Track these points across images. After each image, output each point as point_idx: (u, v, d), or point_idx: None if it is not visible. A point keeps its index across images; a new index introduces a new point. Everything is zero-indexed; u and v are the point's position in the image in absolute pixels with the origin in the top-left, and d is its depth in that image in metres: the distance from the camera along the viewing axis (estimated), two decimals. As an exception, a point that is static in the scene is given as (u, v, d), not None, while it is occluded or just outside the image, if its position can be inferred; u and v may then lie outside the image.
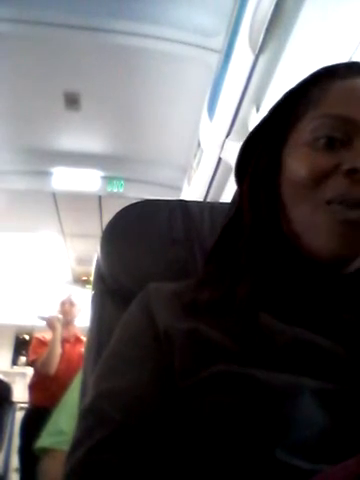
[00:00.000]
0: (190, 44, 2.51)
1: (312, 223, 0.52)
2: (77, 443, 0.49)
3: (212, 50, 2.45)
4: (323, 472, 0.36)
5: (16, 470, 3.47)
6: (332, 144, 0.52)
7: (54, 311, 3.38)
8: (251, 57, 1.84)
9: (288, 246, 0.55)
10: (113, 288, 0.74)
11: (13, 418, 3.78)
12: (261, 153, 0.59)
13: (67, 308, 3.37)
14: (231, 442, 0.43)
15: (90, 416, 0.51)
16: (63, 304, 3.40)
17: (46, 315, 3.31)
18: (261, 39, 1.74)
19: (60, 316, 3.30)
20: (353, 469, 0.32)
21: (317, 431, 0.42)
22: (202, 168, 2.88)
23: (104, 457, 0.47)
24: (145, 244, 0.73)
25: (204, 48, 2.50)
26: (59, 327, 3.18)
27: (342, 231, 0.50)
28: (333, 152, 0.52)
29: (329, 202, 0.51)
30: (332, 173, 0.51)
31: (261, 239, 0.56)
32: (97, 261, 0.78)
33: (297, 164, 0.54)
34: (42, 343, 3.21)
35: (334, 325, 0.50)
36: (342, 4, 1.45)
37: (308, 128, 0.55)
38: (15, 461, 3.46)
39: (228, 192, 2.76)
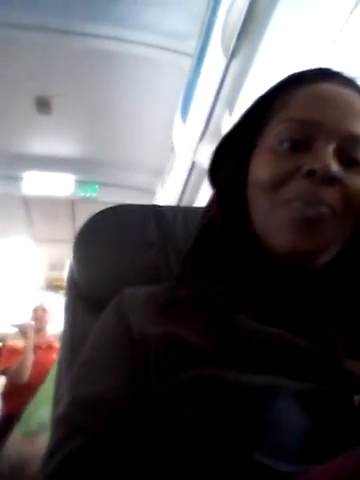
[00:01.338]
0: (163, 48, 2.52)
1: (271, 222, 0.53)
2: (52, 452, 0.48)
3: (185, 54, 2.47)
4: (308, 473, 0.36)
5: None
6: (295, 147, 0.53)
7: (26, 318, 3.34)
8: (224, 61, 1.85)
9: (256, 247, 0.55)
10: (86, 293, 0.73)
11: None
12: (232, 157, 0.60)
13: (40, 314, 3.35)
14: (208, 445, 0.43)
15: (64, 424, 0.50)
16: (35, 310, 3.38)
17: (19, 322, 3.27)
18: (233, 43, 1.75)
19: (32, 323, 3.27)
20: (340, 467, 0.32)
21: (296, 432, 0.42)
22: (176, 172, 2.89)
23: (79, 466, 0.46)
24: (119, 249, 0.73)
25: (177, 52, 2.51)
26: (32, 334, 3.15)
27: (300, 227, 0.51)
28: (295, 155, 0.53)
29: (287, 202, 0.52)
30: (293, 176, 0.52)
31: (231, 241, 0.57)
32: (70, 266, 0.77)
33: (260, 167, 0.55)
34: (14, 351, 3.16)
35: (307, 323, 0.50)
36: (313, 8, 1.47)
37: (273, 132, 0.56)
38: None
39: (202, 196, 2.77)
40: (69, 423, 0.50)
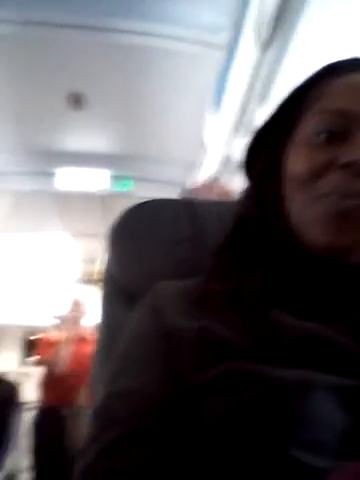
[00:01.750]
0: (194, 41, 2.51)
1: (306, 216, 0.53)
2: (88, 444, 0.49)
3: (217, 46, 2.45)
4: (338, 468, 0.36)
5: (24, 470, 3.50)
6: (331, 139, 0.52)
7: (64, 311, 3.41)
8: (257, 52, 1.83)
9: (292, 241, 0.55)
10: (121, 287, 0.74)
11: (21, 418, 3.80)
12: (267, 150, 0.60)
13: (76, 307, 3.40)
14: (244, 440, 0.43)
15: (101, 417, 0.51)
16: (72, 304, 3.43)
17: (60, 314, 3.34)
18: (266, 34, 1.73)
19: (72, 315, 3.32)
20: None
21: (332, 427, 0.41)
22: (208, 165, 2.88)
23: (115, 459, 0.46)
24: (152, 243, 0.73)
25: (209, 45, 2.50)
26: (70, 327, 3.21)
27: (335, 222, 0.50)
28: (332, 147, 0.52)
29: (323, 195, 0.51)
30: (329, 168, 0.51)
31: (267, 235, 0.56)
32: (105, 260, 0.78)
33: (296, 160, 0.55)
34: (50, 343, 3.25)
35: (343, 318, 0.49)
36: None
37: (310, 123, 0.55)
38: (23, 461, 3.48)
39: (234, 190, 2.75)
40: (105, 416, 0.50)
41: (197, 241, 0.73)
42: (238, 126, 2.27)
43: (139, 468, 0.46)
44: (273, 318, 0.49)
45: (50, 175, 3.89)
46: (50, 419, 3.07)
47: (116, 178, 3.93)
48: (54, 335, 3.29)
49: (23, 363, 6.73)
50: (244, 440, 0.43)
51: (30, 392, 4.03)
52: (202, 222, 0.75)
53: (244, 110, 2.16)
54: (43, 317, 3.56)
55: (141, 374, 0.52)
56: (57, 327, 3.29)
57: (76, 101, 3.13)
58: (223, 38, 2.31)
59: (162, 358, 0.52)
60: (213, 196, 2.05)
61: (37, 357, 3.41)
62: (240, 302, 0.52)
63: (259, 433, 0.42)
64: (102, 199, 4.37)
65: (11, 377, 3.62)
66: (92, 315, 3.32)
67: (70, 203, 4.54)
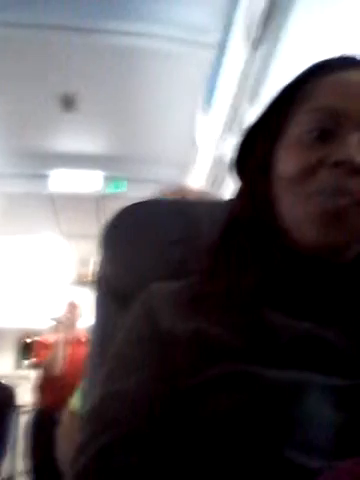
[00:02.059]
0: (185, 41, 2.51)
1: (298, 215, 0.52)
2: (83, 447, 0.49)
3: (207, 46, 2.45)
4: (332, 468, 0.36)
5: (21, 473, 3.49)
6: (322, 137, 0.52)
7: (59, 313, 3.40)
8: (247, 51, 1.83)
9: (284, 240, 0.55)
10: (114, 289, 0.74)
11: (17, 422, 3.80)
12: (257, 149, 0.59)
13: (71, 309, 3.40)
14: (238, 441, 0.43)
15: (95, 419, 0.50)
16: (67, 305, 3.43)
17: (56, 316, 3.34)
18: (256, 33, 1.73)
19: (68, 316, 3.32)
20: None
21: (326, 428, 0.41)
22: (200, 165, 2.88)
23: (109, 461, 0.46)
24: (145, 244, 0.73)
25: (199, 44, 2.50)
26: (65, 328, 3.21)
27: (327, 220, 0.50)
28: (322, 145, 0.52)
29: (314, 193, 0.51)
30: (319, 167, 0.51)
31: (259, 234, 0.56)
32: (98, 262, 0.77)
33: (287, 159, 0.55)
34: (45, 346, 3.24)
35: (337, 318, 0.49)
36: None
37: (299, 122, 0.55)
38: (20, 464, 3.47)
39: (227, 189, 2.76)
40: (99, 418, 0.50)
41: (190, 242, 0.72)
42: (229, 125, 2.27)
43: (133, 470, 0.46)
44: (267, 318, 0.49)
45: (43, 177, 3.88)
46: (46, 421, 3.05)
47: (109, 179, 3.93)
48: (50, 337, 3.28)
49: (19, 366, 6.71)
50: (239, 441, 0.43)
51: (26, 395, 4.02)
52: (195, 222, 0.75)
53: (235, 109, 2.16)
54: (39, 319, 3.54)
55: (135, 376, 0.51)
56: (53, 329, 3.28)
57: (68, 102, 3.13)
58: (213, 37, 2.31)
59: (156, 360, 0.52)
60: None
61: (33, 360, 3.40)
62: (234, 303, 0.52)
63: (254, 434, 0.42)
64: (96, 200, 4.37)
65: (7, 380, 3.61)
66: (87, 317, 3.32)
67: (64, 205, 4.53)
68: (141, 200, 0.79)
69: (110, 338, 0.62)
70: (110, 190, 3.94)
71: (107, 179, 3.92)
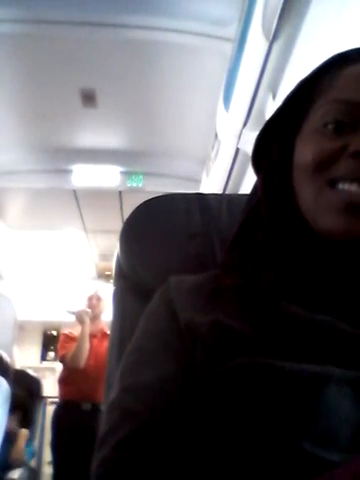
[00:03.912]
0: (203, 34, 2.49)
1: (318, 204, 0.52)
2: (104, 439, 0.49)
3: (225, 39, 2.42)
4: (351, 461, 0.36)
5: (49, 463, 3.54)
6: (340, 129, 0.52)
7: (82, 306, 3.38)
8: (265, 44, 1.81)
9: (305, 231, 0.54)
10: (133, 282, 0.75)
11: (44, 412, 3.86)
12: (276, 142, 0.59)
13: (94, 303, 3.38)
14: (257, 434, 0.43)
15: (115, 411, 0.51)
16: (90, 299, 3.40)
17: (75, 309, 3.34)
18: (274, 25, 1.71)
19: (88, 310, 3.32)
20: None
21: (346, 421, 0.41)
22: (220, 159, 2.86)
23: (131, 453, 0.47)
24: (164, 238, 0.74)
25: (217, 38, 2.48)
26: (88, 321, 3.21)
27: (349, 208, 0.50)
28: (341, 136, 0.52)
29: (332, 182, 0.51)
30: (338, 156, 0.51)
31: (278, 227, 0.56)
32: (117, 256, 0.78)
33: (305, 149, 0.54)
34: (70, 338, 3.25)
35: (357, 310, 0.49)
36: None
37: (318, 114, 0.55)
38: (47, 455, 3.53)
39: (247, 183, 2.74)
40: (118, 410, 0.51)
41: (209, 235, 0.73)
42: (248, 119, 2.25)
43: (154, 460, 0.46)
44: (286, 311, 0.49)
45: (67, 172, 3.90)
46: (68, 413, 3.09)
47: (126, 174, 3.92)
48: (75, 330, 3.30)
49: (44, 358, 6.82)
50: (257, 433, 0.43)
51: (51, 387, 4.08)
52: (213, 216, 0.75)
53: (254, 102, 2.14)
54: (63, 313, 3.56)
55: (155, 368, 0.52)
56: (77, 322, 3.29)
57: (88, 98, 3.14)
58: (231, 31, 2.28)
59: (175, 352, 0.52)
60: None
61: (57, 352, 3.43)
62: (253, 296, 0.53)
63: (273, 426, 0.43)
64: (119, 195, 4.38)
65: (32, 372, 3.67)
66: (109, 311, 3.32)
67: (87, 200, 4.55)
68: (159, 195, 0.80)
69: (129, 331, 0.63)
70: (128, 185, 3.93)
71: (127, 174, 3.93)
